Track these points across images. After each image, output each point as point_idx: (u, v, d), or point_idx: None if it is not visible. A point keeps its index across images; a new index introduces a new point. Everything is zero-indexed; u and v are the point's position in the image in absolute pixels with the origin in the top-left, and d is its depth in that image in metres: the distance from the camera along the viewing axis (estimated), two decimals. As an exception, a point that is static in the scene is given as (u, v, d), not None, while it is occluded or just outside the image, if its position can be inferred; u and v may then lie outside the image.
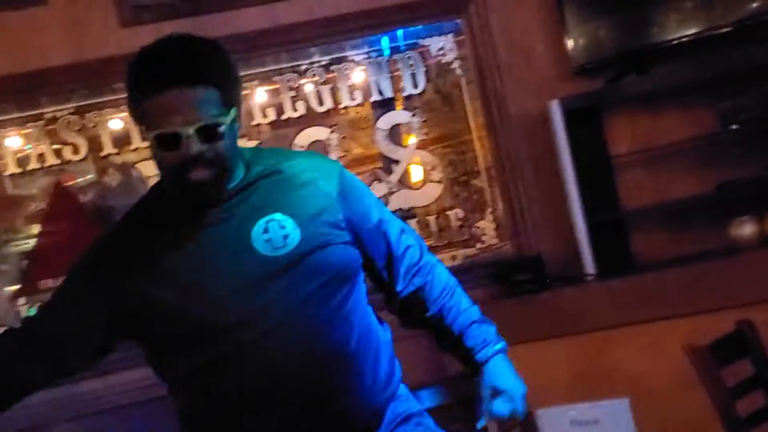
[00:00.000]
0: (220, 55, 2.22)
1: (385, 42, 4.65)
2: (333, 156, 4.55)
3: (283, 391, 2.22)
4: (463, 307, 2.53)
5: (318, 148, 4.55)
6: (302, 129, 4.59)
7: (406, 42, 4.67)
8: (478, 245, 4.69)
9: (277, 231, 2.24)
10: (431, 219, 4.65)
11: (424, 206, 4.67)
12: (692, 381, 3.48)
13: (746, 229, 4.15)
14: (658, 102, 4.52)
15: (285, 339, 2.21)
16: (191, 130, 2.12)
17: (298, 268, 2.23)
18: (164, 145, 2.15)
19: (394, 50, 4.66)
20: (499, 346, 2.51)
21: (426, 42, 4.69)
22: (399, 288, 2.48)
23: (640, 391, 3.95)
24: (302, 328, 2.22)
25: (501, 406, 2.44)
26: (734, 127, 4.24)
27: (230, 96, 2.19)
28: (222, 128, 2.15)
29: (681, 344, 3.56)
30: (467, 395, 4.07)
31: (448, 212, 4.68)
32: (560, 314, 4.13)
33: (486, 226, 4.68)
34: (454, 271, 4.52)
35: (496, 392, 2.46)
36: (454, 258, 4.65)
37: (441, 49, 4.70)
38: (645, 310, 3.96)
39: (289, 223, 2.25)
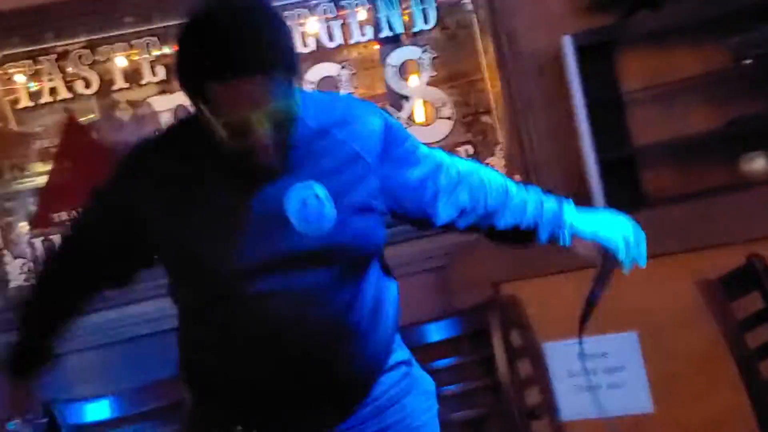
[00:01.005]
0: (286, 30, 2.06)
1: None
2: (343, 92, 4.54)
3: (282, 348, 2.19)
4: (521, 201, 2.44)
5: (328, 84, 4.55)
6: (312, 65, 4.58)
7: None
8: (488, 182, 4.69)
9: (315, 206, 2.14)
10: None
11: (433, 143, 4.67)
12: (701, 315, 3.49)
13: (757, 164, 4.16)
14: (670, 38, 4.50)
15: (292, 305, 2.16)
16: (265, 121, 2.00)
17: (325, 250, 2.16)
18: (233, 132, 2.02)
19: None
20: (567, 206, 2.46)
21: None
22: (458, 225, 2.39)
23: (649, 325, 3.97)
24: (313, 301, 2.18)
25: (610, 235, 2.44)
26: (746, 62, 4.23)
27: (296, 71, 2.05)
28: (294, 114, 2.05)
29: (691, 278, 3.56)
30: (475, 328, 4.14)
31: (458, 149, 4.68)
32: (569, 250, 4.13)
33: (496, 162, 4.69)
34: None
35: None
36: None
37: (452, -15, 4.68)
38: (655, 245, 3.90)
39: (327, 198, 2.15)
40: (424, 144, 2.40)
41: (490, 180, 2.43)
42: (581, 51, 4.35)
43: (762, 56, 4.20)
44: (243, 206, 2.13)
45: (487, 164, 4.67)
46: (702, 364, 3.78)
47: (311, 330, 2.19)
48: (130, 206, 2.21)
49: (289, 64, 2.02)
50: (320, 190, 2.14)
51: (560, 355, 4.12)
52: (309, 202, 2.14)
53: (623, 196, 4.36)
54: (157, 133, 2.35)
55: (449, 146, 4.67)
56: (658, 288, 3.94)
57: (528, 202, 2.44)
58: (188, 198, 2.16)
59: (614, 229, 2.43)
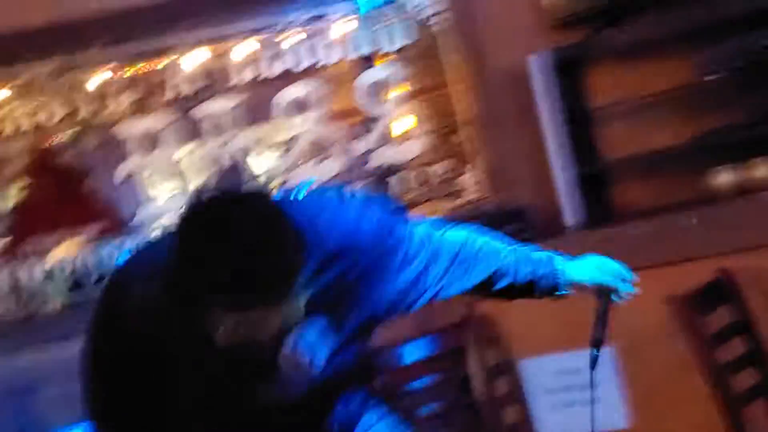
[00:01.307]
0: (300, 249, 1.85)
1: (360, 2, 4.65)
2: (313, 113, 4.56)
3: None
4: (516, 265, 2.44)
5: (298, 105, 4.56)
6: (283, 87, 4.60)
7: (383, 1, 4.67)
8: (461, 199, 4.71)
9: (311, 344, 2.01)
10: (413, 174, 4.67)
11: (405, 162, 4.69)
12: (673, 330, 3.51)
13: (724, 178, 4.19)
14: (638, 54, 4.52)
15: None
16: (270, 339, 1.86)
17: (314, 396, 2.09)
18: (232, 346, 1.84)
19: (373, 7, 4.66)
20: (559, 259, 2.48)
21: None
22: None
23: (624, 339, 3.97)
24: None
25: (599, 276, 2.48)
26: (711, 77, 4.26)
27: (302, 270, 1.85)
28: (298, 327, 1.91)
29: (662, 293, 3.58)
30: (450, 347, 4.14)
31: (430, 167, 4.70)
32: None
33: (467, 180, 4.71)
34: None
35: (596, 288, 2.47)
36: (436, 212, 4.67)
37: (419, 5, 4.70)
38: (626, 260, 3.96)
39: (326, 337, 2.04)
40: (414, 221, 2.33)
41: (481, 248, 2.40)
42: (550, 68, 4.37)
43: (726, 71, 4.23)
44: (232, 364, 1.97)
45: (458, 182, 4.70)
46: (675, 378, 3.80)
47: None
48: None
49: (307, 282, 1.85)
50: (321, 325, 2.03)
51: (536, 372, 4.14)
52: (299, 342, 1.98)
53: (594, 211, 4.39)
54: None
55: (421, 166, 4.69)
56: (631, 303, 3.95)
57: (520, 261, 2.45)
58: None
59: (605, 271, 2.52)
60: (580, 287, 2.49)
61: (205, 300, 1.79)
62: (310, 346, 2.00)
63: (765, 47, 4.19)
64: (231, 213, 1.81)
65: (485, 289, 2.41)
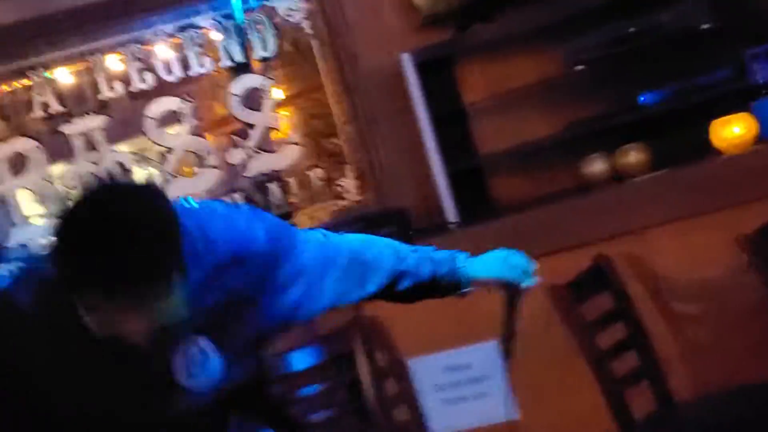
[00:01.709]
0: (171, 233, 1.85)
1: (236, 5, 4.61)
2: (187, 124, 4.51)
3: None
4: (418, 264, 2.46)
5: (171, 118, 4.51)
6: (155, 99, 4.53)
7: (253, 5, 4.64)
8: (341, 202, 4.71)
9: (199, 361, 2.00)
10: (292, 180, 4.65)
11: (284, 168, 4.67)
12: (556, 318, 3.56)
13: (597, 165, 4.26)
14: (507, 48, 4.57)
15: None
16: (145, 328, 1.83)
17: (205, 402, 2.07)
18: (109, 336, 1.84)
19: (245, 12, 4.62)
20: (462, 256, 2.50)
21: (273, 3, 4.67)
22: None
23: (508, 332, 4.03)
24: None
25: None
26: (579, 67, 4.33)
27: (185, 271, 1.85)
28: (179, 321, 1.87)
29: (543, 283, 3.62)
30: (339, 352, 4.14)
31: (309, 172, 4.68)
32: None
33: (348, 183, 4.70)
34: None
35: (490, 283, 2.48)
36: (317, 217, 4.66)
37: (289, 9, 4.68)
38: (506, 254, 4.03)
39: (212, 351, 2.02)
40: (304, 230, 2.32)
41: (380, 252, 2.41)
42: (421, 66, 4.40)
43: (594, 60, 4.30)
44: (126, 377, 1.98)
45: (339, 185, 4.69)
46: (563, 366, 3.84)
47: None
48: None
49: (180, 268, 1.84)
50: (204, 343, 2.00)
51: (425, 370, 4.16)
52: (194, 359, 1.99)
53: (473, 206, 4.43)
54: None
55: (300, 171, 4.67)
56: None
57: (421, 261, 2.46)
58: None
59: (509, 265, 2.52)
60: (483, 283, 2.46)
61: (78, 284, 1.79)
62: (205, 359, 1.99)
63: (631, 34, 4.27)
64: (114, 200, 1.83)
65: (389, 292, 2.41)
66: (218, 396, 2.07)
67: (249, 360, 2.15)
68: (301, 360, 4.15)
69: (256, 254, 2.09)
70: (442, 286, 2.48)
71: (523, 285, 2.49)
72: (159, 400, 2.02)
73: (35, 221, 4.44)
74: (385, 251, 2.43)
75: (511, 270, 2.51)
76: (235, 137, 4.60)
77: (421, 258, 2.47)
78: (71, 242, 1.80)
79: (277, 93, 4.68)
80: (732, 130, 3.97)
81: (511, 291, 2.50)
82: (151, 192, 1.90)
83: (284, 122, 4.69)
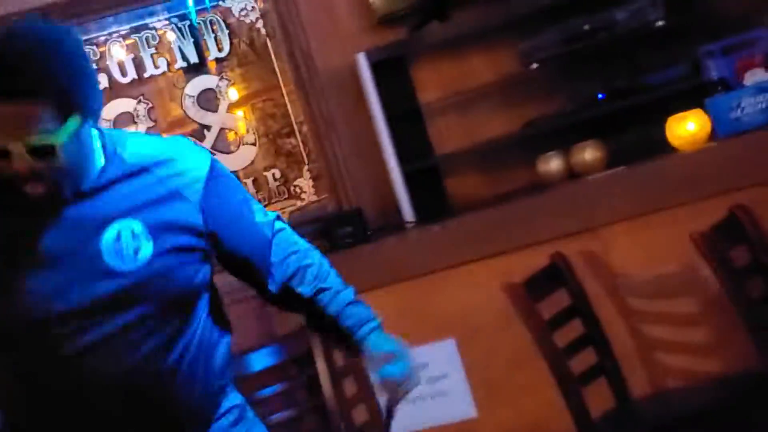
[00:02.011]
0: (59, 56, 1.94)
1: (191, 5, 4.59)
2: (141, 127, 4.48)
3: (103, 405, 2.11)
4: (337, 289, 2.40)
5: (125, 120, 4.48)
6: (109, 101, 4.50)
7: (206, 5, 4.62)
8: (298, 203, 4.70)
9: (128, 241, 2.08)
10: (248, 181, 4.64)
11: (240, 169, 4.65)
12: (513, 317, 3.57)
13: (553, 163, 4.27)
14: (462, 47, 4.59)
15: (108, 357, 2.08)
16: (21, 148, 1.93)
17: (141, 291, 2.09)
18: None
19: (196, 14, 4.60)
20: (376, 323, 2.48)
21: (227, 3, 4.65)
22: (273, 280, 2.32)
23: (466, 330, 4.04)
24: (130, 350, 2.10)
25: (390, 368, 2.40)
26: (534, 65, 4.35)
27: (73, 102, 1.96)
28: (57, 146, 1.95)
29: (500, 282, 3.64)
30: (298, 351, 4.13)
31: (266, 172, 4.67)
32: (384, 264, 4.17)
33: (304, 183, 4.69)
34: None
35: (384, 357, 2.37)
36: (275, 217, 4.65)
37: (243, 9, 4.66)
38: (464, 252, 4.04)
39: (144, 235, 2.09)
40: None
41: (322, 263, 2.42)
42: (376, 66, 4.40)
43: (548, 59, 4.31)
44: (52, 251, 2.05)
45: (296, 186, 4.68)
46: (520, 364, 3.86)
47: (132, 375, 2.11)
48: None
49: (55, 91, 1.92)
50: (137, 226, 2.08)
51: (384, 370, 4.14)
52: (123, 238, 2.07)
53: (430, 205, 4.43)
54: None
55: (257, 171, 4.65)
56: (470, 294, 4.02)
57: (343, 292, 2.41)
58: None
59: (405, 354, 2.40)
60: (374, 362, 2.39)
61: None
62: (132, 238, 2.07)
63: (585, 32, 4.29)
64: (30, 27, 1.95)
65: (297, 292, 2.36)
66: (145, 288, 2.09)
67: (180, 261, 2.13)
68: (259, 360, 4.13)
69: (193, 160, 2.18)
70: (340, 331, 2.40)
71: (406, 388, 2.42)
72: (85, 279, 2.06)
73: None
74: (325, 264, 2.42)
75: (404, 362, 2.38)
76: (191, 138, 4.57)
77: (345, 290, 2.42)
78: None
79: (233, 93, 4.66)
80: (686, 128, 4.00)
81: (392, 395, 2.44)
82: (69, 32, 2.00)
83: (241, 123, 4.67)
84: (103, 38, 4.50)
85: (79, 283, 2.06)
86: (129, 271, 2.07)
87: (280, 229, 2.35)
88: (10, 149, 1.93)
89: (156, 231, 2.11)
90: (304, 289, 2.35)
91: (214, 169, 2.21)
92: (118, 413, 2.13)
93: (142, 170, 2.13)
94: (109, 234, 2.07)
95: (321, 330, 2.49)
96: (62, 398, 2.12)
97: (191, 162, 2.18)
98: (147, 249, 2.09)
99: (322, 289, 2.37)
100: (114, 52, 4.52)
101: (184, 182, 2.15)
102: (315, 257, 2.41)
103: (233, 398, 2.36)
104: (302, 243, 2.41)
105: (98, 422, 2.14)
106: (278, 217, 2.38)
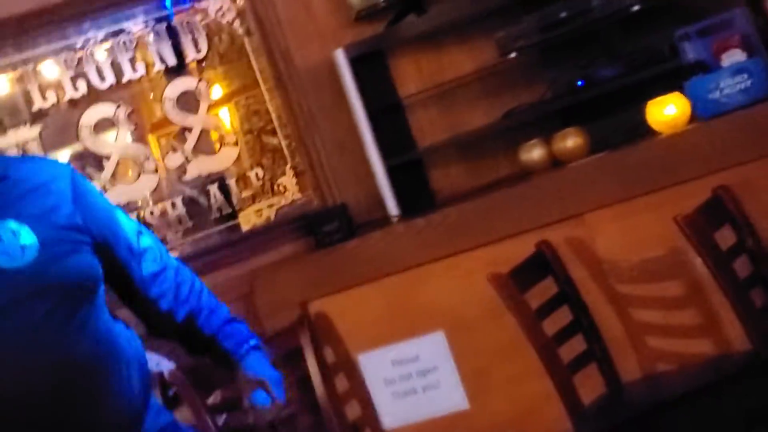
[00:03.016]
0: None
1: (168, 7, 4.57)
2: (123, 131, 4.47)
3: (26, 413, 2.08)
4: (212, 308, 2.45)
5: (106, 125, 4.46)
6: (89, 107, 4.48)
7: (182, 7, 4.60)
8: (283, 201, 4.69)
9: (11, 240, 2.10)
10: (232, 181, 4.63)
11: (225, 168, 4.64)
12: (502, 306, 3.57)
13: (535, 152, 4.26)
14: (440, 39, 4.59)
15: (23, 359, 2.06)
16: None
17: (39, 281, 2.10)
18: None
19: (167, 18, 4.58)
20: (253, 341, 2.47)
21: (203, 4, 4.63)
22: (148, 295, 2.38)
23: (455, 322, 4.05)
24: (42, 348, 2.09)
25: (261, 396, 2.41)
26: (512, 55, 4.34)
27: None
28: None
29: (487, 272, 3.64)
30: (288, 350, 4.13)
31: (248, 172, 4.66)
32: (370, 259, 4.18)
33: (287, 181, 4.68)
34: (261, 229, 4.60)
35: (255, 383, 2.40)
36: (259, 216, 4.64)
37: (220, 9, 4.65)
38: (449, 244, 4.05)
39: (24, 230, 2.12)
40: None
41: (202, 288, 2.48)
42: (355, 62, 4.40)
43: (526, 47, 4.31)
44: None
45: (280, 184, 4.68)
46: (509, 354, 3.87)
47: (53, 384, 2.09)
48: None
49: None
50: (13, 225, 2.11)
51: (375, 365, 4.16)
52: (4, 237, 2.09)
53: (414, 199, 4.43)
54: None
55: (239, 172, 4.64)
56: (458, 286, 4.03)
57: (218, 311, 2.47)
58: None
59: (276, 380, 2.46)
60: (247, 385, 2.43)
61: None
62: (13, 235, 2.09)
63: (562, 19, 4.28)
64: None
65: (171, 312, 2.42)
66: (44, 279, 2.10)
67: (68, 252, 2.17)
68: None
69: (56, 167, 2.28)
70: (217, 351, 2.45)
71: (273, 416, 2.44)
72: None
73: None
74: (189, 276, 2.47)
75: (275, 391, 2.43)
76: (172, 141, 4.56)
77: (219, 308, 2.48)
78: None
79: (216, 91, 4.65)
80: (666, 111, 4.00)
81: (259, 419, 2.46)
82: None
83: (222, 123, 4.66)
84: (80, 44, 4.47)
85: None
86: (22, 266, 2.09)
87: (148, 248, 2.40)
88: None
89: (37, 223, 2.14)
90: (179, 308, 2.40)
91: (75, 175, 2.30)
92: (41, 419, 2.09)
93: (1, 179, 2.17)
94: None
95: (200, 351, 2.50)
96: None
97: (50, 167, 2.28)
98: (33, 241, 2.12)
99: (198, 308, 2.42)
100: (92, 57, 4.50)
101: (49, 178, 2.23)
102: (186, 274, 2.46)
103: (165, 416, 2.38)
104: (171, 258, 2.46)
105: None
106: (141, 233, 2.42)
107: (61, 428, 2.12)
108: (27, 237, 2.12)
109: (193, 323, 2.42)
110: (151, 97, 4.60)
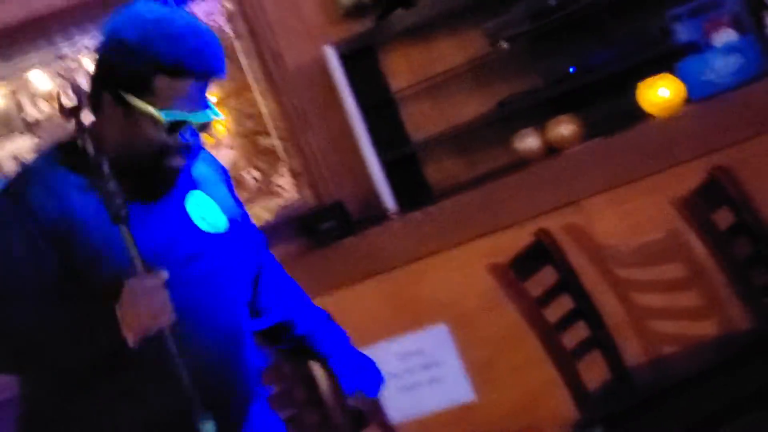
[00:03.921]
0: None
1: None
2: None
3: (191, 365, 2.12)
4: (325, 328, 2.55)
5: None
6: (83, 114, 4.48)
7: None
8: (280, 201, 4.68)
9: (209, 209, 2.23)
10: (228, 184, 4.62)
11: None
12: (502, 297, 3.57)
13: (529, 141, 4.24)
14: (429, 31, 4.56)
15: (201, 308, 2.18)
16: (199, 121, 2.12)
17: (229, 252, 2.24)
18: (170, 128, 2.08)
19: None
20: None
21: (193, 8, 4.62)
22: (268, 304, 2.48)
23: (457, 314, 4.05)
24: (217, 303, 2.22)
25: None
26: (503, 44, 4.33)
27: None
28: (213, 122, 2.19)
29: (487, 263, 3.64)
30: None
31: (244, 174, 4.65)
32: (369, 255, 4.18)
33: (283, 181, 4.68)
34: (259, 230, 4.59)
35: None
36: (258, 217, 4.63)
37: (210, 12, 4.64)
38: (448, 237, 4.05)
39: (215, 206, 2.26)
40: None
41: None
42: (345, 58, 4.38)
43: (516, 36, 4.30)
44: (146, 222, 2.14)
45: (276, 184, 4.67)
46: (513, 344, 3.87)
47: (221, 340, 2.20)
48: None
49: None
50: (203, 196, 2.23)
51: (378, 359, 4.13)
52: (202, 205, 2.22)
53: (411, 193, 4.42)
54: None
55: (235, 174, 4.63)
56: (458, 278, 4.03)
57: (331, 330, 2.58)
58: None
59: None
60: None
61: (146, 68, 2.07)
62: (209, 204, 2.23)
63: (551, 7, 4.27)
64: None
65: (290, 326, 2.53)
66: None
67: (246, 230, 2.34)
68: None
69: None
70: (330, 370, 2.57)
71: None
72: (181, 236, 2.18)
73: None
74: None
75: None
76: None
77: (329, 324, 2.59)
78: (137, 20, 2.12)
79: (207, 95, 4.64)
80: (659, 93, 3.99)
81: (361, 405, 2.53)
82: None
83: (216, 125, 4.65)
84: (71, 52, 4.47)
85: (179, 245, 2.18)
86: (215, 233, 2.23)
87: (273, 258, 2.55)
88: (191, 122, 2.10)
89: (223, 206, 2.29)
90: (298, 324, 2.53)
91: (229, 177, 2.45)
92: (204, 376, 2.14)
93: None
94: (192, 201, 2.22)
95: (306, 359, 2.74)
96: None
97: (218, 162, 2.43)
98: (222, 217, 2.26)
99: (314, 327, 2.55)
100: (84, 65, 4.49)
101: (220, 170, 2.40)
102: (297, 288, 2.58)
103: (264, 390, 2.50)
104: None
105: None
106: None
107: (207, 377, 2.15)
108: (218, 212, 2.26)
109: (310, 341, 2.55)
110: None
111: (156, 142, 2.08)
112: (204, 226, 2.21)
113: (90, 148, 2.02)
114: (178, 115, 2.07)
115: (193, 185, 2.24)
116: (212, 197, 2.26)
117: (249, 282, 2.35)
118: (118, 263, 2.05)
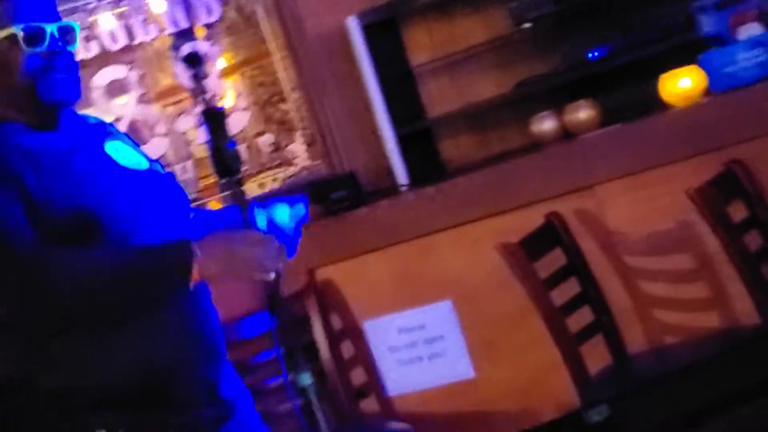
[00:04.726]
0: None
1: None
2: (134, 93, 4.46)
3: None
4: None
5: (117, 87, 4.45)
6: (100, 69, 4.47)
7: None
8: (292, 168, 4.68)
9: (127, 152, 2.27)
10: (241, 147, 4.61)
11: (233, 135, 4.61)
12: (510, 277, 3.56)
13: (546, 124, 4.23)
14: (453, 8, 4.56)
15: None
16: (56, 27, 2.15)
17: (160, 178, 2.28)
18: (29, 41, 2.12)
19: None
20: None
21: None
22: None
23: (462, 291, 4.04)
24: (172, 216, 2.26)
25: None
26: (526, 25, 4.32)
27: None
28: (76, 29, 2.22)
29: (496, 242, 3.63)
30: (295, 316, 4.12)
31: (258, 138, 4.65)
32: (379, 227, 4.17)
33: (297, 148, 4.67)
34: (269, 196, 4.59)
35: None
36: (267, 183, 4.63)
37: (232, -25, 4.63)
38: (458, 214, 4.03)
39: (132, 150, 2.29)
40: None
41: None
42: (367, 29, 4.37)
43: (540, 18, 4.28)
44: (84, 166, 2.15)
45: (288, 151, 4.67)
46: (516, 324, 3.86)
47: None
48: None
49: None
50: (119, 143, 2.27)
51: (380, 332, 4.15)
52: (121, 150, 2.25)
53: (424, 168, 4.42)
54: None
55: (249, 137, 4.63)
56: (466, 255, 4.02)
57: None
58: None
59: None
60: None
61: None
62: (127, 150, 2.28)
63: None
64: None
65: None
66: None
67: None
68: (256, 326, 4.13)
69: None
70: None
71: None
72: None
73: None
74: None
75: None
76: (183, 105, 4.55)
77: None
78: None
79: (226, 58, 4.63)
80: (680, 84, 3.98)
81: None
82: None
83: (231, 90, 4.64)
84: (92, 5, 4.45)
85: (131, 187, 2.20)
86: (146, 170, 2.26)
87: None
88: (46, 28, 2.13)
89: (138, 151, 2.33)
90: None
91: None
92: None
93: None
94: (109, 147, 2.25)
95: None
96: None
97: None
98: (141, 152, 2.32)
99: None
100: (104, 20, 4.48)
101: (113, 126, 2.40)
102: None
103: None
104: None
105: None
106: None
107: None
108: (137, 154, 2.29)
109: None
110: (162, 60, 4.58)
111: (24, 60, 2.13)
112: (129, 164, 2.23)
113: None
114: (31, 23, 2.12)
115: (107, 135, 2.28)
116: (126, 144, 2.30)
117: (188, 206, 2.38)
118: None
